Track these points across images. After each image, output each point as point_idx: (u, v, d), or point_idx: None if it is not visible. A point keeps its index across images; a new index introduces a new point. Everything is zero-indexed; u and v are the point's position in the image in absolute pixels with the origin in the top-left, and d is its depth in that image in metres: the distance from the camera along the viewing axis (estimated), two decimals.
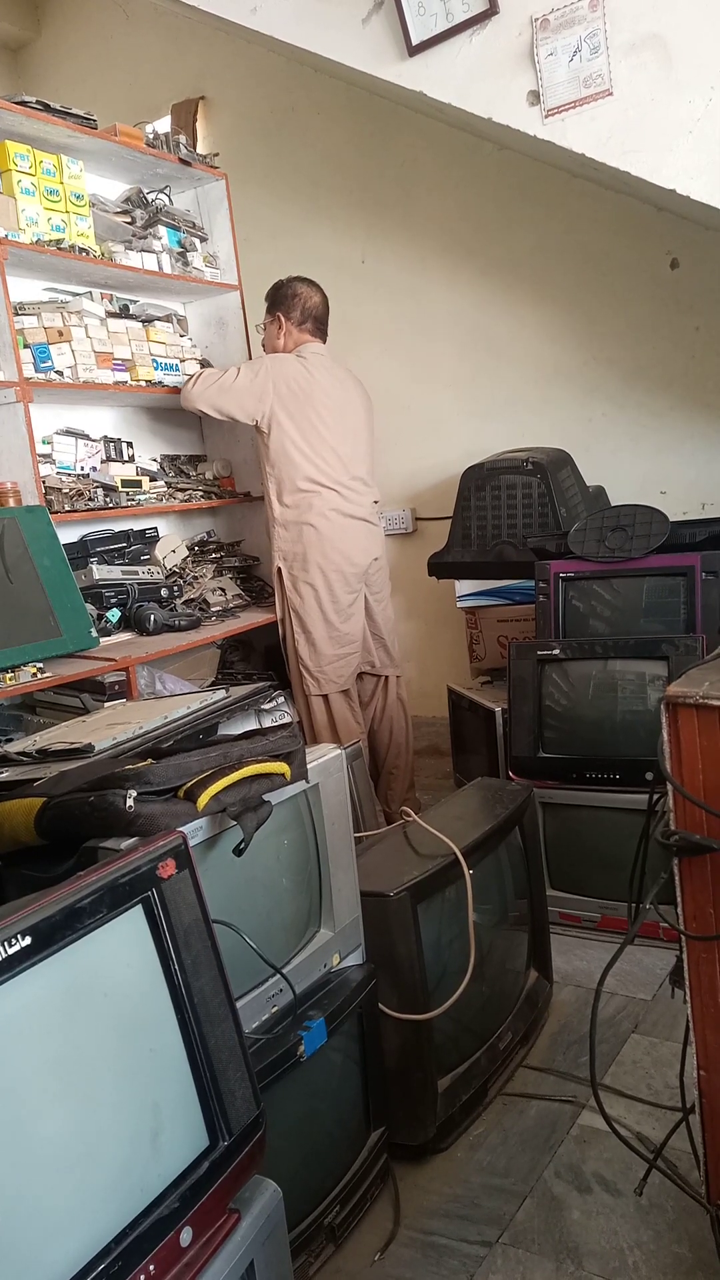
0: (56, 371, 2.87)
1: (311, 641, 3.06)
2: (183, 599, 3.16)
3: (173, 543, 3.30)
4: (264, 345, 3.27)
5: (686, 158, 2.56)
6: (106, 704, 2.31)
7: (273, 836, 1.56)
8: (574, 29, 2.59)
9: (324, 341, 3.22)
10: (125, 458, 3.20)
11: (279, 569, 3.08)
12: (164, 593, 3.05)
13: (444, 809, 2.21)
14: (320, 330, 3.21)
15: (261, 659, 3.39)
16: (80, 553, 2.96)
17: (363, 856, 1.86)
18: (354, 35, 2.91)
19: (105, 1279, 0.96)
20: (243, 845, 1.37)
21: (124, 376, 3.11)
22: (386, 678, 3.27)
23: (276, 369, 3.03)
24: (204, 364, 3.49)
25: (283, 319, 3.15)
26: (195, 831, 1.34)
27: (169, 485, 3.34)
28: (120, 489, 3.07)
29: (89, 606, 2.73)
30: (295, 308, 3.15)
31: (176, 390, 3.30)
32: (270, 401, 2.99)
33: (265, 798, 1.44)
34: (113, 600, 2.91)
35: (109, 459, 3.15)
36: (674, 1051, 2.02)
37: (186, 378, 3.14)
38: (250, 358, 3.56)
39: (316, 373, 3.08)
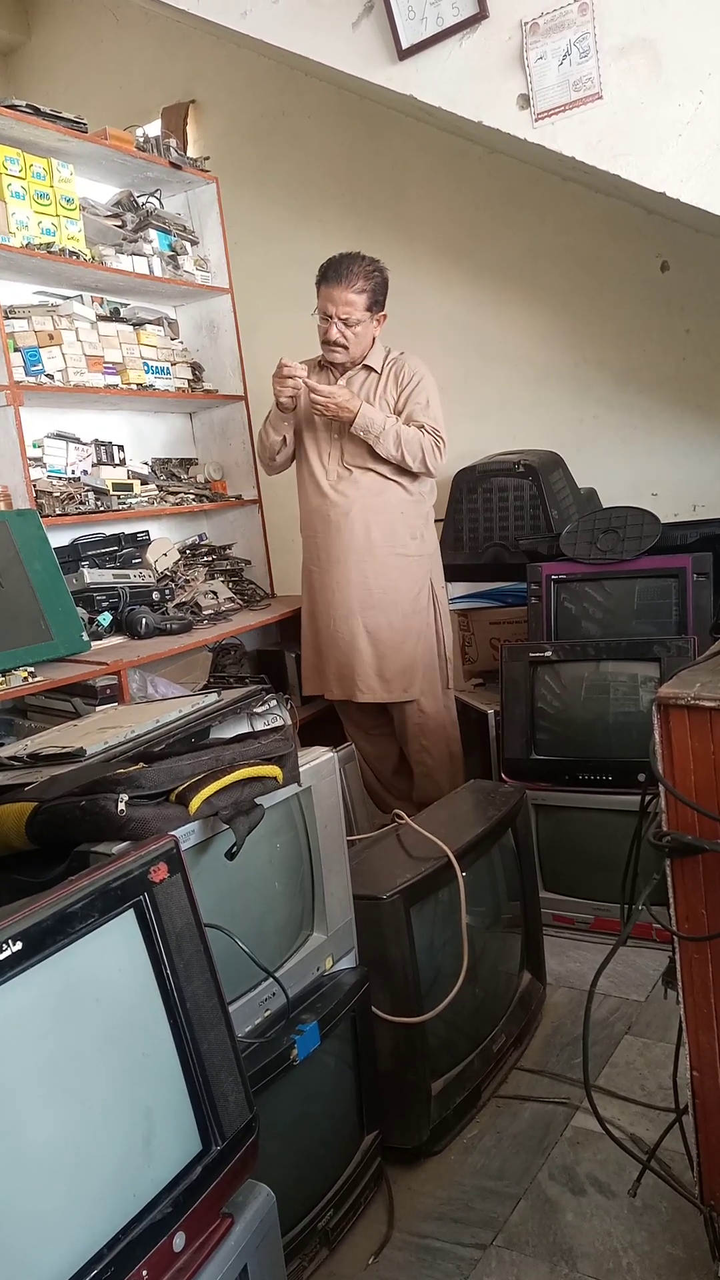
0: (47, 375, 2.86)
1: (447, 636, 3.07)
2: (174, 602, 3.15)
3: (164, 546, 3.30)
4: (351, 347, 2.91)
5: (676, 161, 2.56)
6: (98, 708, 2.30)
7: (265, 840, 1.56)
8: (564, 33, 2.59)
9: None
10: (116, 461, 3.19)
11: (429, 565, 3.01)
12: (155, 596, 3.04)
13: (437, 811, 2.21)
14: None
15: (254, 662, 3.38)
16: (71, 556, 2.95)
17: (355, 859, 1.86)
18: (344, 39, 2.91)
19: None
20: (235, 849, 1.37)
21: (115, 380, 3.11)
22: None
23: (429, 373, 2.97)
24: (195, 368, 3.49)
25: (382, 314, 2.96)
26: (187, 835, 1.34)
27: (160, 488, 3.34)
28: (111, 492, 3.06)
29: (80, 610, 2.72)
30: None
31: (167, 394, 3.31)
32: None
33: (257, 801, 1.44)
34: (104, 604, 2.90)
35: (100, 462, 3.14)
36: (667, 1052, 2.03)
37: (426, 454, 2.83)
38: (241, 361, 3.56)
39: None
